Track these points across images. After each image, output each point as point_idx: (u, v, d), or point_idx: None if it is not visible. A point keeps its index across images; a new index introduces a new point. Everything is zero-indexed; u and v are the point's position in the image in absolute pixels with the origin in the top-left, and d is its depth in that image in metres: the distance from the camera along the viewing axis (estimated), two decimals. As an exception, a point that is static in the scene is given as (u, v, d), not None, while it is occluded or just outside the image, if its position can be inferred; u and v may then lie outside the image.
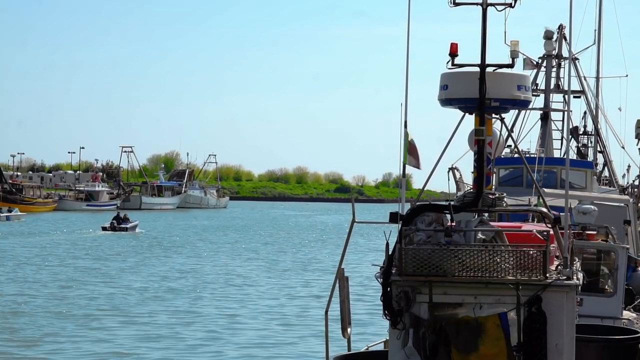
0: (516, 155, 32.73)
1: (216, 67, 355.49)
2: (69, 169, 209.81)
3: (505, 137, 13.77)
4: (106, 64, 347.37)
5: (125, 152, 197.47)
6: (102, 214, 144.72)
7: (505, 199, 12.73)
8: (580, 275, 12.33)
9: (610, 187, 39.56)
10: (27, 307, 40.22)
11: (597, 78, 48.35)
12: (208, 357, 30.99)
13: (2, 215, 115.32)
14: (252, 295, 46.82)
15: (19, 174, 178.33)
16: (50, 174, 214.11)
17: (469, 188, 13.20)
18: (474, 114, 12.64)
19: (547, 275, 11.83)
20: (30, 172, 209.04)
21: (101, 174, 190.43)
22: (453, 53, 12.52)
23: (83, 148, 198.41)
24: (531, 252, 11.84)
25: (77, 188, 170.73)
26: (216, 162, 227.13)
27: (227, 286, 50.29)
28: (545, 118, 36.06)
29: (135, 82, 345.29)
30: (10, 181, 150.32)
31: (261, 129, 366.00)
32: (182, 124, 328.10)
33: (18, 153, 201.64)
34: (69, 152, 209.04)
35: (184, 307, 41.78)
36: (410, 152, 12.93)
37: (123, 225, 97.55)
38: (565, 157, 30.43)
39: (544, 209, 12.72)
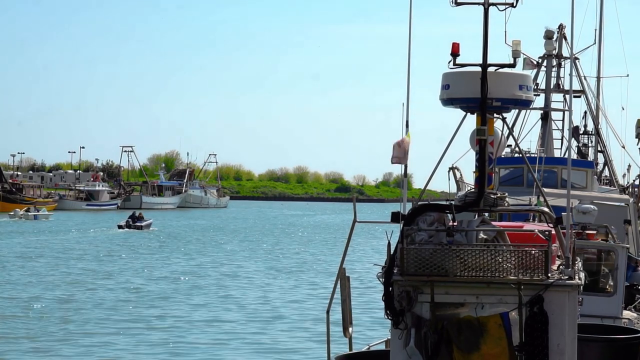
0: (516, 155, 32.70)
1: (216, 67, 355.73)
2: (69, 168, 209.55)
3: (506, 137, 13.76)
4: (106, 64, 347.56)
5: (125, 151, 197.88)
6: (102, 213, 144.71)
7: (506, 199, 12.73)
8: (582, 275, 12.33)
9: (610, 186, 39.52)
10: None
11: (598, 78, 48.23)
12: (208, 358, 30.97)
13: (30, 214, 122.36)
14: (252, 295, 46.79)
15: (19, 173, 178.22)
16: (51, 174, 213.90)
17: (470, 188, 13.20)
18: (475, 114, 12.64)
19: (549, 275, 11.81)
20: (31, 172, 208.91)
21: (101, 173, 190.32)
22: (455, 53, 12.51)
23: (83, 148, 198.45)
24: (533, 251, 11.83)
25: (77, 188, 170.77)
26: (216, 162, 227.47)
27: (227, 286, 50.25)
28: (545, 118, 36.04)
29: (135, 82, 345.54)
30: (11, 181, 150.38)
31: (262, 129, 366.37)
32: (182, 124, 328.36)
33: (18, 153, 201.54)
34: (69, 152, 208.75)
35: (184, 308, 41.75)
36: (399, 146, 12.76)
37: (138, 224, 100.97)
38: (566, 156, 30.42)
39: (546, 209, 12.72)
